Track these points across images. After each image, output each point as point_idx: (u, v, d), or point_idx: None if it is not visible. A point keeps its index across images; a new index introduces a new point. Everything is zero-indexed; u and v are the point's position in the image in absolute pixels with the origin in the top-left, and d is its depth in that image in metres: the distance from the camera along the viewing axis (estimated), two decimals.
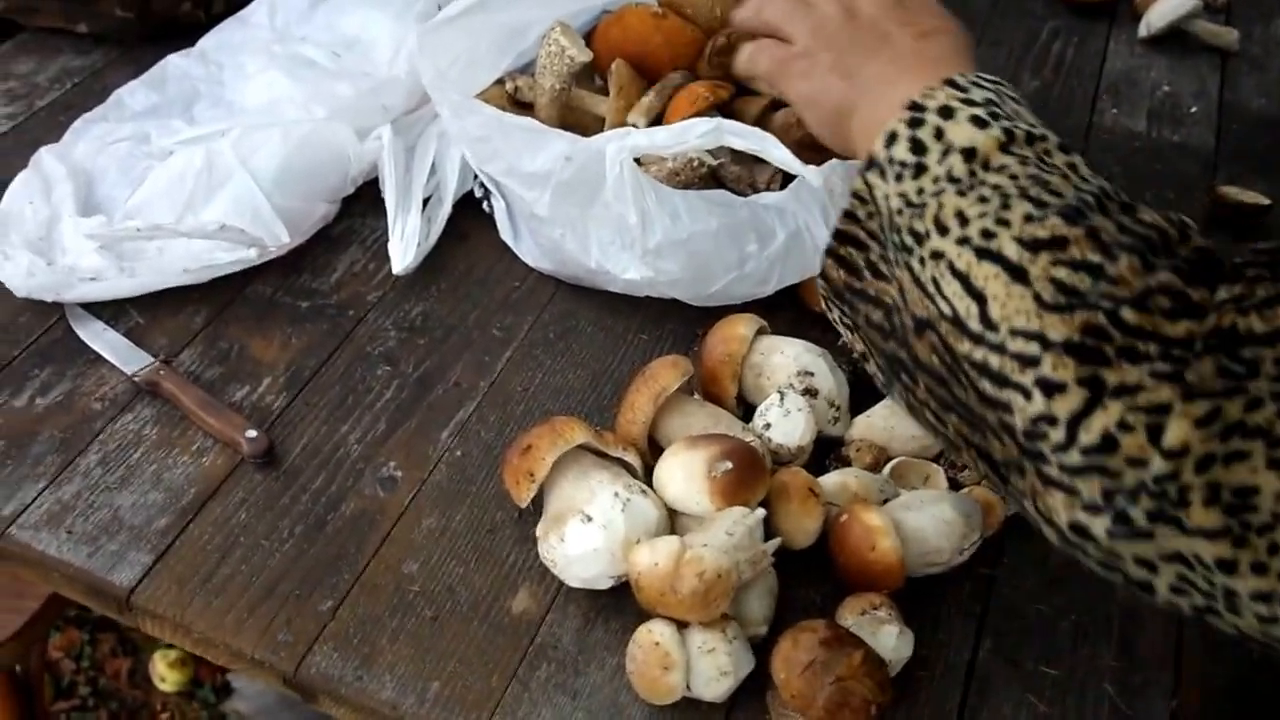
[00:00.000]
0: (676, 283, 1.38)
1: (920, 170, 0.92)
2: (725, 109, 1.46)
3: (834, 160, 1.30)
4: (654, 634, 1.07)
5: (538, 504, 1.17)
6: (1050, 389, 0.80)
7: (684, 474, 1.15)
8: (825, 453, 1.28)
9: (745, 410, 1.30)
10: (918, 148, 0.92)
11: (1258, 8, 2.20)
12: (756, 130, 1.29)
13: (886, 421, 1.28)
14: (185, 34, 1.67)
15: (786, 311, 1.41)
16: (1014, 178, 0.87)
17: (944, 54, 1.03)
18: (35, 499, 1.19)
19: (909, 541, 1.14)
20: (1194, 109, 1.93)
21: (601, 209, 1.33)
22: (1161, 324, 0.79)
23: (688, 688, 1.06)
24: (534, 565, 1.17)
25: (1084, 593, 1.19)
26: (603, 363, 1.38)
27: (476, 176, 1.50)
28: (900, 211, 0.93)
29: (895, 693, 1.07)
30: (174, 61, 1.60)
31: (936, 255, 0.89)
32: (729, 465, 1.13)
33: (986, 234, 0.86)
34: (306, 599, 1.13)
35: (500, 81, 1.51)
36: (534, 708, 1.07)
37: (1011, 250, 0.84)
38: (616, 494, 1.13)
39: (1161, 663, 1.15)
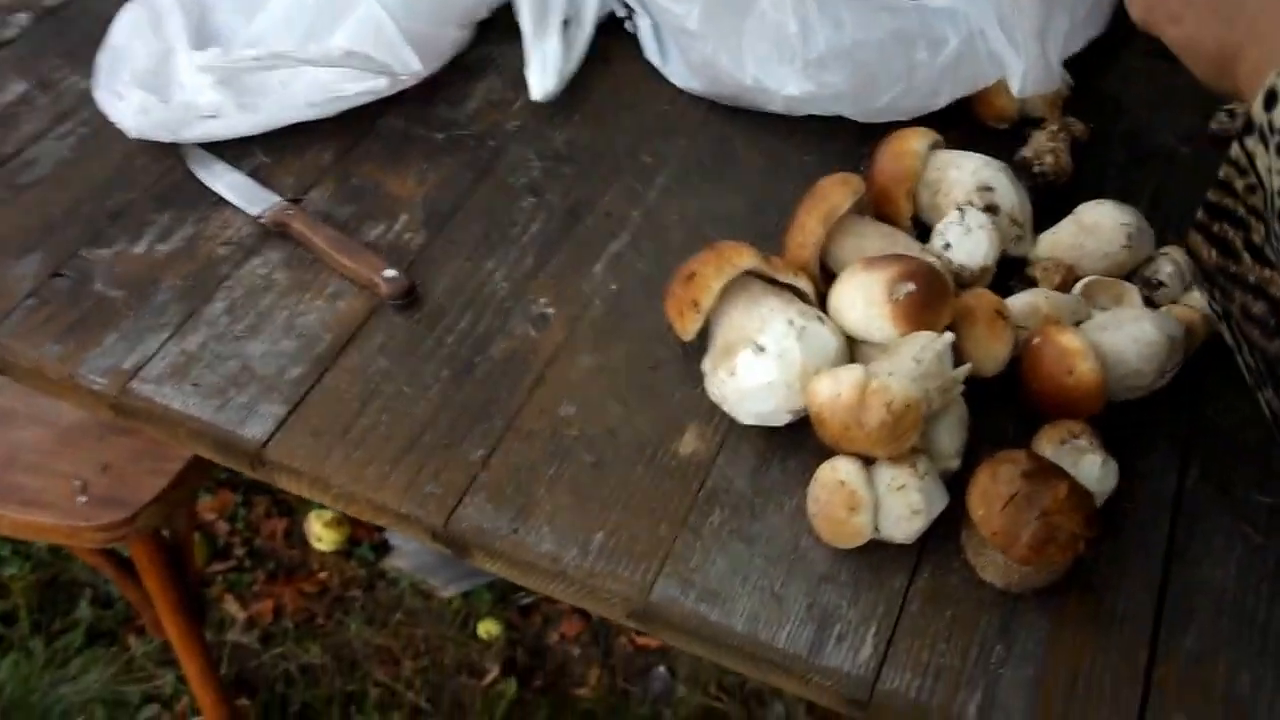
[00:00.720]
0: (840, 97, 1.24)
1: None
2: None
3: None
4: (838, 472, 0.95)
5: (703, 338, 1.05)
6: None
7: (863, 298, 1.02)
8: (1009, 274, 1.15)
9: (920, 231, 1.16)
10: None
11: None
12: None
13: (1075, 239, 1.16)
14: None
15: (958, 126, 1.26)
16: None
17: None
18: (158, 351, 1.08)
19: (1108, 364, 1.02)
20: None
21: (757, 20, 1.20)
22: None
23: (875, 529, 0.95)
24: (702, 403, 1.05)
25: None
26: (764, 187, 1.24)
27: None
28: None
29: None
30: None
31: None
32: (911, 287, 1.00)
33: None
34: (455, 448, 1.02)
35: None
36: (707, 556, 0.97)
37: None
38: (791, 321, 1.00)
39: None
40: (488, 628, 2.17)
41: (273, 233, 1.16)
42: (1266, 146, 0.80)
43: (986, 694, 0.90)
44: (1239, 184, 0.82)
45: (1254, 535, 1.00)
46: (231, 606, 2.21)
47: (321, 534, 2.29)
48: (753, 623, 0.93)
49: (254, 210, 1.16)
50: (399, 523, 0.99)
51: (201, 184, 1.21)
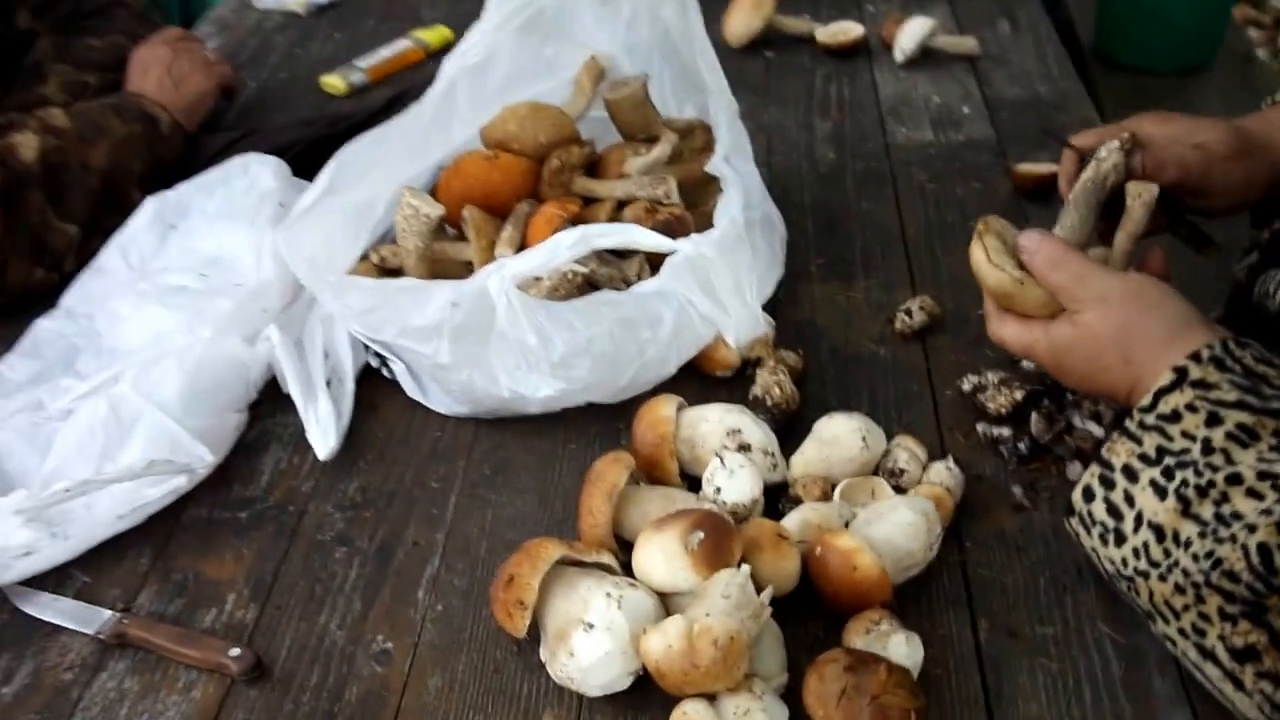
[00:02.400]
0: (589, 387, 1.29)
1: (1120, 539, 0.98)
2: (577, 220, 1.38)
3: (694, 235, 1.29)
4: (689, 716, 0.98)
5: (534, 630, 1.07)
6: None
7: (663, 556, 1.06)
8: (776, 499, 1.21)
9: (691, 484, 1.22)
10: (1114, 511, 0.98)
11: (981, 15, 2.23)
12: (617, 224, 1.27)
13: (820, 453, 1.23)
14: (44, 299, 1.51)
15: (692, 384, 1.35)
16: (1195, 559, 0.91)
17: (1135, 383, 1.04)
18: None
19: (883, 552, 1.08)
20: (966, 110, 1.94)
21: (498, 340, 1.25)
22: None
23: None
24: (550, 689, 1.06)
25: (1046, 549, 1.16)
26: (545, 481, 1.27)
27: (368, 348, 1.38)
28: (1117, 577, 1.00)
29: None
30: (43, 325, 1.44)
31: (1170, 640, 0.96)
32: (701, 535, 1.05)
33: (1198, 630, 0.92)
34: None
35: (365, 257, 1.41)
36: None
37: (1224, 656, 0.90)
38: (608, 594, 1.04)
39: None
40: None
41: (112, 645, 1.12)
42: (1089, 533, 1.02)
43: None
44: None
45: (1050, 664, 1.05)
46: None
47: None
48: None
49: (89, 630, 1.12)
50: None
51: (31, 617, 1.15)
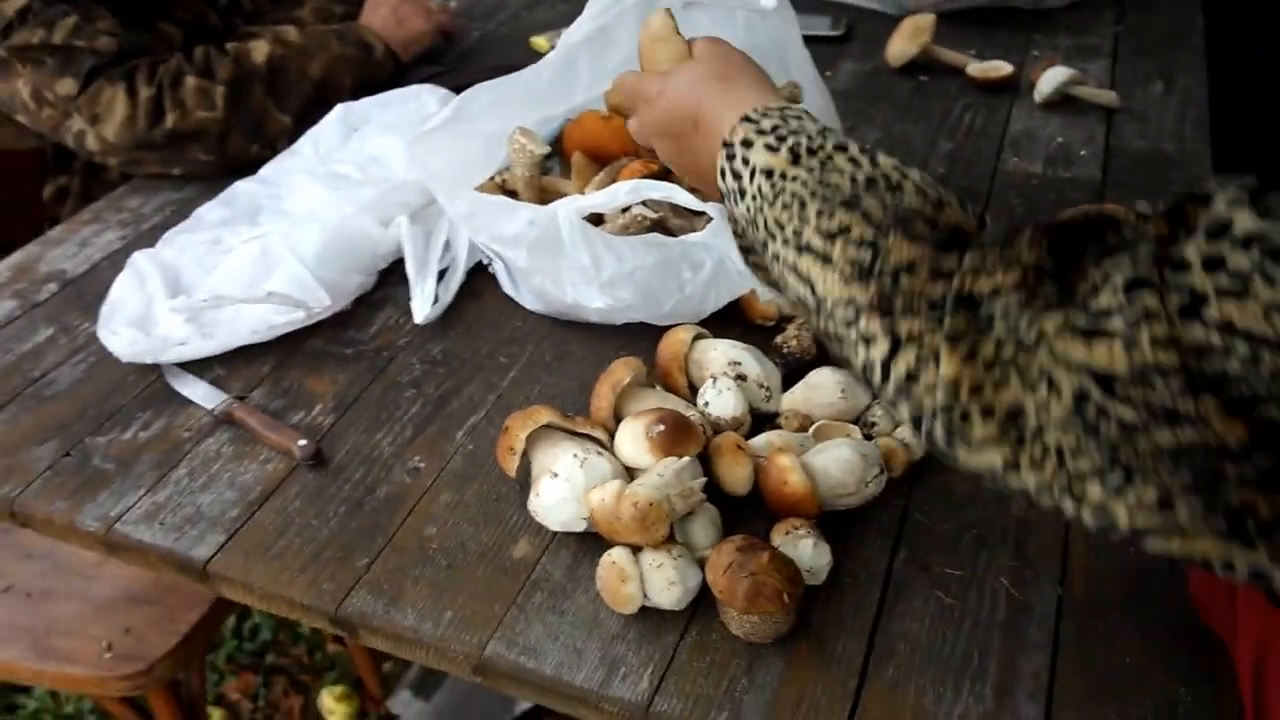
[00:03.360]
0: (633, 307, 1.48)
1: (742, 193, 1.03)
2: (659, 178, 1.54)
3: None
4: (612, 556, 1.16)
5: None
6: (868, 340, 0.89)
7: (631, 438, 1.26)
8: (764, 424, 1.36)
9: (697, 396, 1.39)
10: (735, 175, 1.04)
11: (1139, 74, 2.28)
12: (665, 183, 1.43)
13: (805, 394, 1.38)
14: (257, 169, 1.84)
15: (738, 327, 1.51)
16: (804, 184, 0.97)
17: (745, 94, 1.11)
18: (136, 503, 1.30)
19: (818, 477, 1.22)
20: (1084, 153, 2.00)
21: (565, 257, 1.45)
22: (926, 287, 0.86)
23: (646, 597, 1.14)
24: (534, 522, 1.24)
25: (984, 511, 1.26)
26: (592, 375, 1.42)
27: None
28: (747, 227, 1.04)
29: (824, 593, 1.16)
30: (240, 185, 1.77)
31: (776, 257, 0.99)
32: (661, 427, 1.24)
33: (797, 234, 0.96)
34: (346, 560, 1.22)
35: (493, 178, 1.66)
36: (528, 624, 1.14)
37: (817, 242, 0.94)
38: (575, 455, 1.23)
39: (1050, 560, 1.20)
40: None
41: (222, 421, 1.41)
42: (725, 201, 1.07)
43: (732, 712, 1.06)
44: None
45: (945, 597, 1.15)
46: None
47: (333, 707, 2.43)
48: (559, 669, 1.10)
49: (210, 406, 1.42)
50: (304, 612, 1.19)
51: (175, 391, 1.45)
